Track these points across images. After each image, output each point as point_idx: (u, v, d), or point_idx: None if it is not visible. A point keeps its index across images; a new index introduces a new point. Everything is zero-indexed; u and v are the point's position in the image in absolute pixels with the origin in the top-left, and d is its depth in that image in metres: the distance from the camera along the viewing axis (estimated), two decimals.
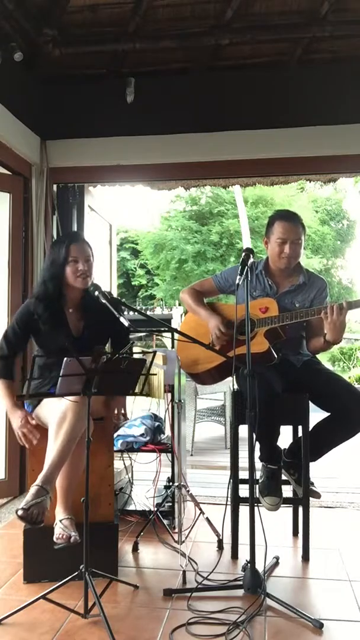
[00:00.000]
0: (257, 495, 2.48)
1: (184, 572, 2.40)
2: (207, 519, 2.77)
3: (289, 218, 2.72)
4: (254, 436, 2.20)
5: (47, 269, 2.58)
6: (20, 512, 2.04)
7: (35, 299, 2.53)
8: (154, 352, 2.33)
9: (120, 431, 3.15)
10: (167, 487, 3.08)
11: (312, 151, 3.78)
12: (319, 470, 3.16)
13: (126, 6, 3.50)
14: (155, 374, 2.90)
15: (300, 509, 2.66)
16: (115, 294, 3.15)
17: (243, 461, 2.41)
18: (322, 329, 2.53)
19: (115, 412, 2.59)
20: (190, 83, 3.93)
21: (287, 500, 2.59)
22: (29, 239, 3.79)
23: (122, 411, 2.62)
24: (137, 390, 2.30)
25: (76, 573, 2.07)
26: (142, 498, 3.21)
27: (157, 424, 3.26)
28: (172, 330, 2.73)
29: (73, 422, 2.20)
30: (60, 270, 2.50)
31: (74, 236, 2.65)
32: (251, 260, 2.35)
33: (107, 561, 2.34)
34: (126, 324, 2.34)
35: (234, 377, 2.50)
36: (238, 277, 2.28)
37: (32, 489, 2.11)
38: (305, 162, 3.85)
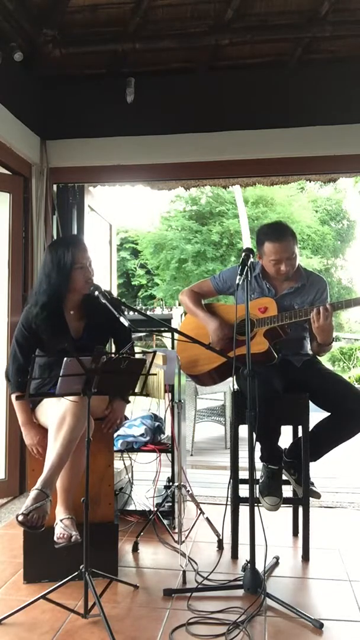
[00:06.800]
0: (257, 495, 2.48)
1: (184, 572, 2.40)
2: (207, 519, 2.77)
3: (278, 236, 2.60)
4: (254, 436, 2.20)
5: (50, 274, 2.46)
6: (20, 518, 2.04)
7: (33, 307, 2.47)
8: (154, 352, 2.33)
9: (120, 431, 3.15)
10: (167, 487, 3.09)
11: (312, 151, 3.77)
12: (319, 470, 3.16)
13: (126, 6, 3.50)
14: (155, 374, 2.90)
15: (300, 509, 2.66)
16: (115, 294, 3.14)
17: (243, 461, 2.41)
18: None
19: (110, 420, 2.53)
20: (190, 83, 3.93)
21: (287, 500, 2.59)
22: (29, 239, 3.78)
23: (117, 420, 2.56)
24: (137, 390, 2.30)
25: (76, 573, 2.07)
26: (142, 498, 3.21)
27: (157, 424, 3.26)
28: (172, 330, 2.73)
29: (72, 424, 2.20)
30: (66, 276, 2.44)
31: (78, 241, 2.59)
32: (251, 260, 2.35)
33: (107, 561, 2.34)
34: (126, 324, 2.33)
35: (234, 377, 2.49)
36: (238, 277, 2.28)
37: (32, 493, 2.11)
38: (305, 162, 3.85)
